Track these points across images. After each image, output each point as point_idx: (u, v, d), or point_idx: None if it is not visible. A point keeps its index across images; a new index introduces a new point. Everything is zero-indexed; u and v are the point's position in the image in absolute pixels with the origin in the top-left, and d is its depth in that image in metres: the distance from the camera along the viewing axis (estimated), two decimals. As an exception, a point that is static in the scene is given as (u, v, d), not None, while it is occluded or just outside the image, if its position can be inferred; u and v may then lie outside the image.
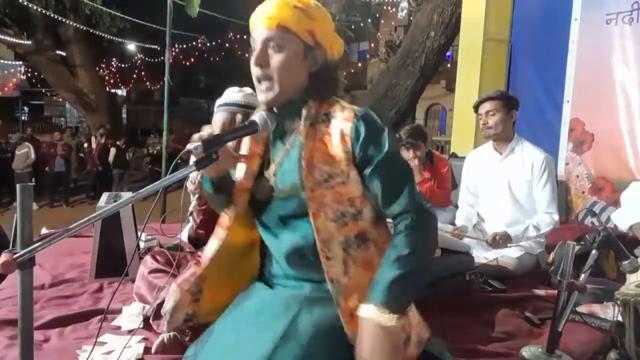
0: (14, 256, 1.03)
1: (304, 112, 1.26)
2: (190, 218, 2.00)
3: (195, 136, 1.18)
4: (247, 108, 1.89)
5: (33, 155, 10.98)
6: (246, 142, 1.39)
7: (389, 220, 1.30)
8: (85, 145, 13.24)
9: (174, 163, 1.19)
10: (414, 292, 1.21)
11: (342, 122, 1.24)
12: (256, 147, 1.37)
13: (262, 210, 1.35)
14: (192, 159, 1.17)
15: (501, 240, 2.65)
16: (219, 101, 1.99)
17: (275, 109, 1.30)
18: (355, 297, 1.21)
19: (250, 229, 1.42)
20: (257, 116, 1.26)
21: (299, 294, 1.27)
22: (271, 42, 1.23)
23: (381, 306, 1.13)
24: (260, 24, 1.25)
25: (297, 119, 1.28)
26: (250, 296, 1.35)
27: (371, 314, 1.13)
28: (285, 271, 1.34)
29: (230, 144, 1.28)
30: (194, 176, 1.85)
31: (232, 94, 1.96)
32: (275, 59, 1.23)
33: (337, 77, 1.34)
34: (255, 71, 1.26)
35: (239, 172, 1.37)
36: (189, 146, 1.15)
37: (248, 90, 1.98)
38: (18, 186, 1.05)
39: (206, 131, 1.19)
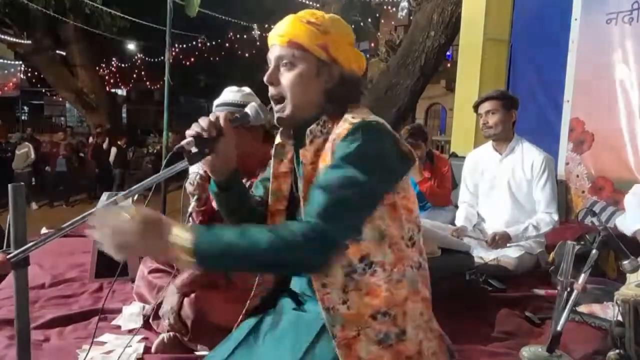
0: (8, 256, 1.03)
1: (309, 129, 1.21)
2: (190, 219, 2.00)
3: (188, 131, 1.17)
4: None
5: (33, 155, 10.99)
6: (270, 164, 1.35)
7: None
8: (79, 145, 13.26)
9: (167, 159, 1.18)
10: (222, 262, 1.07)
11: (334, 137, 1.17)
12: (282, 167, 1.32)
13: None
14: (193, 150, 1.17)
15: (500, 240, 2.66)
16: (217, 101, 1.99)
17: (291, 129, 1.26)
18: (354, 327, 1.13)
19: None
20: (249, 107, 1.25)
21: (320, 317, 1.19)
22: (283, 60, 1.21)
23: (192, 234, 1.00)
24: (273, 42, 1.23)
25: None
26: (279, 313, 1.30)
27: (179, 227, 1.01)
28: (306, 292, 1.29)
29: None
30: (193, 178, 1.85)
31: (231, 94, 1.96)
32: (286, 76, 1.21)
33: (356, 92, 1.26)
34: (269, 90, 1.24)
35: (269, 194, 1.33)
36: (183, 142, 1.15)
37: (247, 89, 1.98)
38: (10, 187, 1.04)
39: (201, 123, 1.17)
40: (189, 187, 1.86)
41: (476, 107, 2.87)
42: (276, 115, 1.24)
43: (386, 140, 1.16)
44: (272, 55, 1.23)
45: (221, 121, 1.19)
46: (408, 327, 1.17)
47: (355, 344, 1.13)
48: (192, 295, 1.75)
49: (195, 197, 1.89)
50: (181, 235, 1.00)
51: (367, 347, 1.13)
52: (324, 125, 1.21)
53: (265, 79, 1.23)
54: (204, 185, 1.84)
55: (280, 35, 1.21)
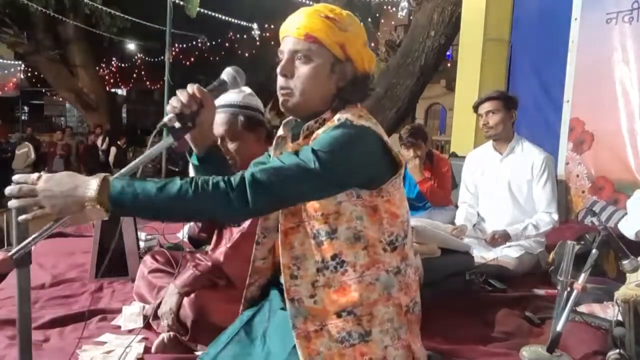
0: (10, 253, 1.03)
1: (307, 125, 1.21)
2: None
3: (169, 107, 1.17)
4: (247, 109, 1.89)
5: (33, 155, 10.98)
6: (270, 150, 1.35)
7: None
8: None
9: (151, 139, 1.19)
10: (136, 208, 1.08)
11: (314, 136, 1.18)
12: None
13: None
14: (177, 125, 1.16)
15: (500, 239, 2.66)
16: (217, 102, 1.99)
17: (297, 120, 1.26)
18: (317, 322, 1.15)
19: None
20: (225, 73, 1.25)
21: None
22: (298, 54, 1.19)
23: (108, 183, 1.02)
24: (288, 34, 1.20)
25: None
26: (268, 311, 1.31)
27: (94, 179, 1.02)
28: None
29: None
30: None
31: (231, 95, 1.95)
32: (301, 70, 1.19)
33: (364, 92, 1.27)
34: (279, 81, 1.22)
35: None
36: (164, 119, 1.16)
37: (247, 90, 1.97)
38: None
39: (180, 97, 1.16)
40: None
41: (476, 107, 2.87)
42: (281, 100, 1.23)
43: (366, 142, 1.15)
44: (285, 48, 1.21)
45: (198, 93, 1.18)
46: (374, 330, 1.16)
47: (315, 337, 1.14)
48: (192, 295, 1.76)
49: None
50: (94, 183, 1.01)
51: (328, 342, 1.14)
52: (323, 123, 1.21)
53: (278, 70, 1.21)
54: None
55: (297, 28, 1.19)
